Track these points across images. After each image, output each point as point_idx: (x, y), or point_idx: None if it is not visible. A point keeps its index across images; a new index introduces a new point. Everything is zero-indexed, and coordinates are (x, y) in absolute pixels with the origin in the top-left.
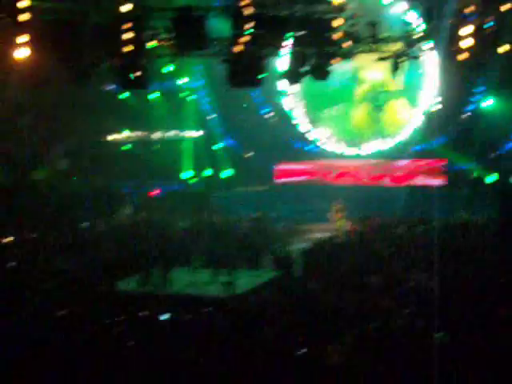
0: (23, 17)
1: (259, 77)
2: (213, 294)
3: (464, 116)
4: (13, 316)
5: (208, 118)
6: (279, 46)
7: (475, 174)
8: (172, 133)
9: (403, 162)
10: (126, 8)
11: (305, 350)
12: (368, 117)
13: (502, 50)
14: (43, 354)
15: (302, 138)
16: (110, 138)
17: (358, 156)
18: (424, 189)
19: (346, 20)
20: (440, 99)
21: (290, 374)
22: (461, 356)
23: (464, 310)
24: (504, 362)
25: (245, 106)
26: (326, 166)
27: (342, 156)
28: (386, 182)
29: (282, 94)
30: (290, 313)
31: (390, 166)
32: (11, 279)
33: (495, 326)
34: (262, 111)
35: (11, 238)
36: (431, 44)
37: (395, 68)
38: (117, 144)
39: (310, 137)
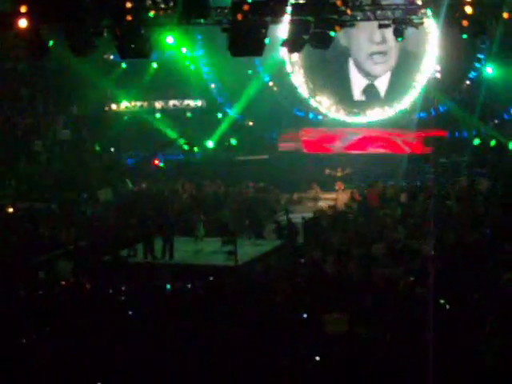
0: None
1: (260, 45)
2: (216, 263)
3: (465, 83)
4: (17, 287)
5: (209, 86)
6: (280, 14)
7: (476, 141)
8: (173, 102)
9: (406, 131)
10: None
11: (306, 318)
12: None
13: (504, 16)
14: (48, 322)
15: (303, 106)
16: (111, 107)
17: (361, 124)
18: (425, 156)
19: None
20: (441, 67)
21: (292, 342)
22: (461, 324)
23: (466, 277)
24: (503, 328)
25: (250, 72)
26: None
27: (345, 124)
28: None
29: (283, 62)
30: (292, 282)
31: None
32: (13, 250)
33: (497, 292)
34: (264, 79)
35: (11, 209)
36: (431, 11)
37: (398, 34)
38: (118, 114)
39: (311, 105)
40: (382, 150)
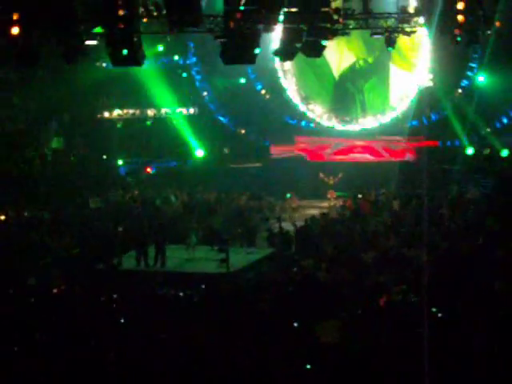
0: None
1: (253, 53)
2: (208, 271)
3: (457, 92)
4: (11, 294)
5: (201, 95)
6: (272, 22)
7: (467, 150)
8: (165, 110)
9: (397, 138)
10: None
11: (298, 326)
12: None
13: (496, 24)
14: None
15: (295, 114)
16: (103, 115)
17: (353, 132)
18: (417, 164)
19: None
20: (433, 76)
21: (284, 350)
22: (455, 331)
23: (458, 285)
24: (498, 335)
25: (243, 81)
26: (323, 142)
27: (336, 132)
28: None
29: (275, 70)
30: (283, 290)
31: (386, 142)
32: (7, 256)
33: (490, 300)
34: (256, 88)
35: (3, 217)
36: (424, 20)
37: (390, 43)
38: (110, 121)
39: (303, 113)
40: (370, 158)
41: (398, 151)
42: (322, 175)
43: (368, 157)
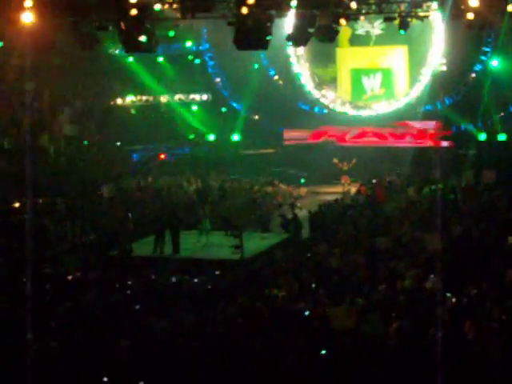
0: None
1: (266, 38)
2: (222, 257)
3: (470, 76)
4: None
5: (214, 81)
6: (285, 8)
7: (481, 135)
8: (179, 96)
9: (413, 123)
10: None
11: (312, 312)
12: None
13: (509, 9)
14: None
15: (309, 100)
16: (116, 102)
17: (367, 118)
18: (431, 149)
19: None
20: (446, 60)
21: (298, 335)
22: (468, 317)
23: (472, 272)
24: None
25: (255, 66)
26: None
27: (350, 117)
28: (408, 140)
29: (288, 56)
30: (297, 275)
31: (404, 126)
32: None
33: (503, 287)
34: (270, 73)
35: (18, 204)
36: (437, 4)
37: (404, 27)
38: (124, 108)
39: (317, 99)
40: (385, 141)
41: (421, 136)
42: (336, 160)
43: (382, 141)
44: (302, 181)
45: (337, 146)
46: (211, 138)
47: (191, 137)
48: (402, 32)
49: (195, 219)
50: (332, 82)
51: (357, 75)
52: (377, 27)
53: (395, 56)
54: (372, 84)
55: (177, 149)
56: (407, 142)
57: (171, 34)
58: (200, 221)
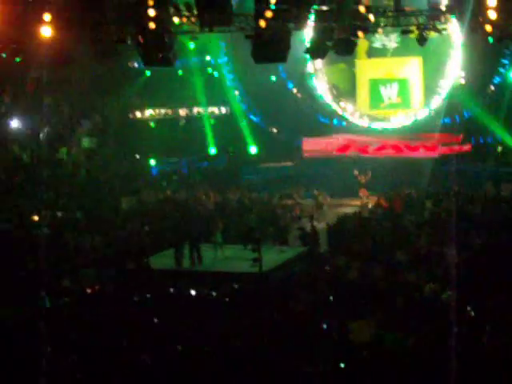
0: None
1: (284, 51)
2: (241, 271)
3: (489, 89)
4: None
5: (233, 94)
6: (303, 21)
7: (500, 148)
8: (197, 110)
9: (431, 135)
10: None
11: (332, 325)
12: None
13: None
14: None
15: (327, 112)
16: (135, 115)
17: (385, 130)
18: (450, 162)
19: None
20: (465, 72)
21: (317, 350)
22: (486, 330)
23: (490, 285)
24: None
25: (274, 80)
26: (361, 139)
27: (369, 130)
28: (422, 152)
29: (307, 68)
30: (316, 288)
31: (422, 138)
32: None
33: None
34: (288, 86)
35: (37, 217)
36: (455, 17)
37: (422, 40)
38: (143, 121)
39: (335, 111)
40: (403, 153)
41: (432, 148)
42: (356, 173)
43: (398, 152)
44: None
45: (358, 158)
46: (229, 150)
47: (209, 150)
48: (420, 45)
49: (214, 232)
50: (350, 93)
51: (375, 85)
52: (393, 40)
53: (411, 67)
54: (389, 93)
55: (196, 162)
56: (422, 154)
57: (190, 45)
58: (213, 234)
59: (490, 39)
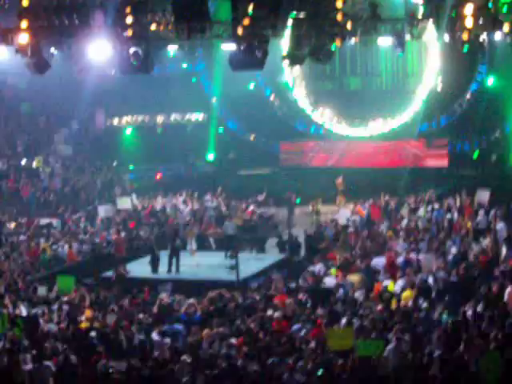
0: (25, 2)
1: (261, 59)
2: (219, 278)
3: (466, 96)
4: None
5: (210, 101)
6: (280, 28)
7: (476, 155)
8: (174, 116)
9: (406, 143)
10: None
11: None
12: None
13: (504, 29)
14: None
15: (305, 119)
16: (112, 122)
17: (362, 137)
18: (425, 169)
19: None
20: (441, 79)
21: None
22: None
23: (469, 291)
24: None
25: (252, 88)
26: (331, 147)
27: (346, 137)
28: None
29: (284, 75)
30: (293, 296)
31: (396, 147)
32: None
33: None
34: (265, 93)
35: (13, 224)
36: (432, 23)
37: (400, 47)
38: (120, 128)
39: (313, 118)
40: (381, 162)
41: (409, 155)
42: (340, 179)
43: (378, 161)
44: (298, 201)
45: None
46: (209, 157)
47: (187, 157)
48: (399, 54)
49: (184, 240)
50: (328, 99)
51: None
52: None
53: None
54: None
55: (173, 169)
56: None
57: (167, 54)
58: (188, 241)
59: (466, 47)
